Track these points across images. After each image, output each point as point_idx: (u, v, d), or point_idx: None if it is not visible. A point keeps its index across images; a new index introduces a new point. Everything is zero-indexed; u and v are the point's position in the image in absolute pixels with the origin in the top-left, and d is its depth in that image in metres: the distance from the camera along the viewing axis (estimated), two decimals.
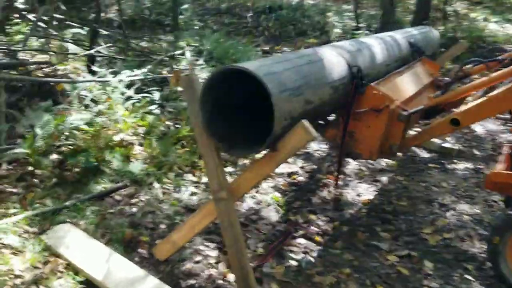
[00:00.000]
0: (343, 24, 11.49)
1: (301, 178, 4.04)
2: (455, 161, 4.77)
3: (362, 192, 3.97)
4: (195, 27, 9.07)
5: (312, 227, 3.28)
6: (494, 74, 2.59)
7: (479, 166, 4.69)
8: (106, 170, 3.49)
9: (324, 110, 2.58)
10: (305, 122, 2.08)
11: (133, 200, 3.25)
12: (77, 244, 2.60)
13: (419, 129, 4.03)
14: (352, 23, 11.55)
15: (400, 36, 3.91)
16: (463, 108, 2.65)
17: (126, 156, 3.73)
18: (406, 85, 3.20)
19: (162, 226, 3.00)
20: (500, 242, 2.69)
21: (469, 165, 4.72)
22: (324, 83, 2.48)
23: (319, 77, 2.44)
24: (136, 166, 3.62)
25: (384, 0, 9.89)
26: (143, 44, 7.21)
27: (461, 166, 4.68)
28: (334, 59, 2.69)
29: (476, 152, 5.07)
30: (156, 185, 3.49)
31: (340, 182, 4.07)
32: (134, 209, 3.15)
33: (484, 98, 2.57)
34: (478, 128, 5.67)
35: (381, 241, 3.20)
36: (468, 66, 3.57)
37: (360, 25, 11.23)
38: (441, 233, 3.39)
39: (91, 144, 3.59)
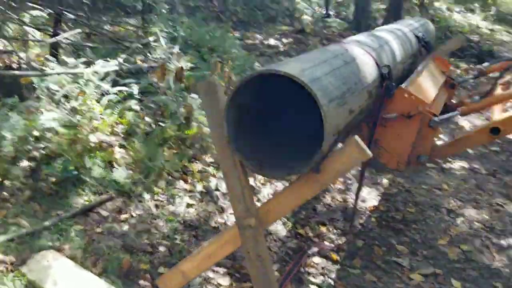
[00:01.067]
0: (312, 11, 11.21)
1: None
2: (449, 159, 4.59)
3: (366, 197, 3.70)
4: (163, 10, 8.47)
5: (325, 243, 2.96)
6: None
7: (475, 166, 4.54)
8: (87, 179, 3.01)
9: (360, 119, 2.24)
10: (358, 139, 1.73)
11: (123, 216, 2.82)
12: (66, 277, 2.15)
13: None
14: (321, 10, 11.28)
15: (407, 30, 3.62)
16: (505, 115, 2.39)
17: (108, 161, 3.26)
18: (428, 86, 2.91)
19: (162, 249, 2.59)
20: None
21: (465, 164, 4.56)
22: (362, 88, 2.14)
23: (357, 81, 2.10)
24: (120, 174, 3.17)
25: None
26: (107, 28, 6.60)
27: (457, 165, 4.51)
28: (366, 59, 2.35)
29: (468, 150, 4.91)
30: (146, 196, 3.06)
31: (340, 186, 3.79)
32: (126, 228, 2.72)
33: None
34: (465, 123, 5.54)
35: (400, 257, 2.94)
36: (484, 65, 3.35)
37: (330, 12, 10.99)
38: (458, 244, 3.18)
39: (67, 148, 3.10)
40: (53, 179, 2.92)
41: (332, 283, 2.62)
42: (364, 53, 2.40)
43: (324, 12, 10.98)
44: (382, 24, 9.25)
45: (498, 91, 2.60)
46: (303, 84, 1.64)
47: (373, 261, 2.87)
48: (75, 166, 3.02)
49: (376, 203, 3.61)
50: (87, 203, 2.84)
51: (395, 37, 3.16)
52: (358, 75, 2.14)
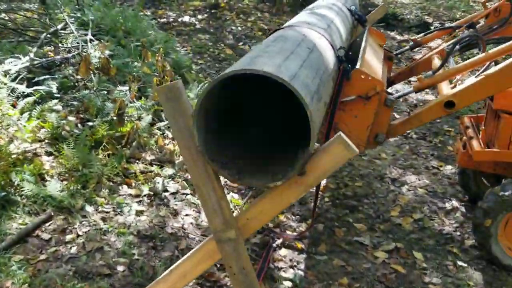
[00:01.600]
0: None
1: None
2: None
3: None
4: None
5: (288, 232, 2.89)
6: (492, 51, 2.39)
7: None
8: (17, 199, 2.64)
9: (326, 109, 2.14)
10: (343, 135, 1.63)
11: (68, 237, 2.51)
12: None
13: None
14: None
15: (340, 4, 3.56)
16: (458, 88, 2.42)
17: (38, 174, 2.89)
18: (374, 63, 2.88)
19: (120, 268, 2.34)
20: (492, 225, 2.60)
21: None
22: (328, 76, 2.03)
23: (324, 69, 1.98)
24: (54, 187, 2.82)
25: None
26: (4, 17, 5.85)
27: None
28: (323, 43, 2.24)
29: (395, 114, 5.07)
30: (89, 208, 2.76)
31: None
32: (74, 249, 2.42)
33: (482, 77, 2.36)
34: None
35: (361, 235, 2.96)
36: (420, 35, 3.40)
37: None
38: (409, 214, 3.27)
39: None
40: None
41: (303, 274, 2.55)
42: (320, 36, 2.28)
43: None
44: None
45: (435, 61, 2.63)
46: (285, 84, 1.48)
47: (336, 244, 2.85)
48: (1, 185, 2.63)
49: (324, 182, 3.60)
50: (22, 227, 2.49)
51: (335, 14, 3.08)
52: (323, 62, 2.02)
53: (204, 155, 1.66)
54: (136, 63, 4.51)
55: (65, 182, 2.93)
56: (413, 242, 2.95)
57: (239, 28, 7.43)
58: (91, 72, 3.60)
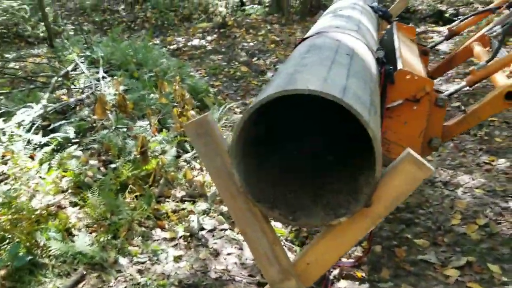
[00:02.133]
0: (226, 2, 10.75)
1: None
2: None
3: None
4: (70, 32, 7.66)
5: (344, 260, 2.59)
6: None
7: None
8: (45, 261, 2.42)
9: None
10: (413, 152, 1.35)
11: None
12: None
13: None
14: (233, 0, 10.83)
15: (362, 2, 3.30)
16: None
17: (64, 229, 2.67)
18: (413, 61, 2.60)
19: None
20: None
21: None
22: (374, 82, 1.76)
23: (369, 76, 1.72)
24: (83, 241, 2.59)
25: None
26: (14, 66, 5.77)
27: None
28: (359, 46, 1.97)
29: None
30: (123, 261, 2.52)
31: None
32: None
33: None
34: None
35: (425, 252, 2.64)
36: (454, 23, 3.11)
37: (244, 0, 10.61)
38: (473, 220, 2.94)
39: (10, 228, 2.48)
40: (2, 273, 2.30)
41: None
42: (355, 40, 2.02)
43: (238, 0, 10.57)
44: (302, 4, 9.01)
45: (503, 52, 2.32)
46: (337, 101, 1.22)
47: (400, 266, 2.54)
48: (26, 248, 2.42)
49: None
50: None
51: (360, 13, 2.82)
52: (367, 68, 1.75)
53: (248, 196, 1.40)
54: (152, 95, 4.32)
55: (94, 234, 2.71)
56: (485, 253, 2.62)
57: (251, 44, 7.22)
58: (108, 111, 3.39)
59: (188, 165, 3.57)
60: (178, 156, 3.63)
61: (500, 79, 2.29)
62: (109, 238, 2.68)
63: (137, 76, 5.03)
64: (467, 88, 2.26)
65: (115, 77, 4.31)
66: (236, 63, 6.46)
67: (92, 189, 3.00)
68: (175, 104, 3.60)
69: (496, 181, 3.43)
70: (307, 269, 1.52)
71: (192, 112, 3.63)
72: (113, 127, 3.71)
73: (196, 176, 3.43)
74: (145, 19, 10.00)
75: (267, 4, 9.83)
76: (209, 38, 7.77)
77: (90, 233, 2.73)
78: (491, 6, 3.04)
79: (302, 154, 1.79)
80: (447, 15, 8.59)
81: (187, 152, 3.71)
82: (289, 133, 1.87)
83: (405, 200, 3.14)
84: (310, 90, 1.23)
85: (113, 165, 3.32)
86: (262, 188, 1.46)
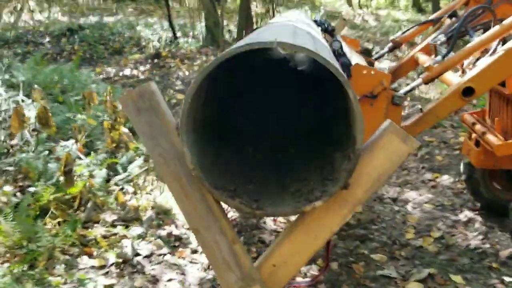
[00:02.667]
0: (159, 36, 10.56)
1: (232, 214, 3.01)
2: None
3: None
4: None
5: (298, 279, 2.33)
6: (506, 22, 2.05)
7: None
8: None
9: None
10: (395, 124, 1.16)
11: None
12: None
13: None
14: (166, 34, 10.66)
15: (304, 16, 3.22)
16: (474, 71, 2.05)
17: None
18: (364, 64, 2.50)
19: None
20: None
21: None
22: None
23: (331, 55, 1.54)
24: None
25: (207, 4, 9.27)
26: None
27: None
28: (315, 33, 1.81)
29: None
30: None
31: None
32: None
33: (500, 53, 2.01)
34: None
35: (384, 267, 2.45)
36: (397, 35, 3.09)
37: (177, 34, 10.47)
38: (427, 234, 2.82)
39: None
40: None
41: None
42: (310, 30, 1.86)
43: (171, 35, 10.41)
44: (238, 35, 9.00)
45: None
46: (312, 55, 1.01)
47: (360, 283, 2.33)
48: None
49: None
50: None
51: (305, 24, 2.70)
52: (327, 47, 1.58)
53: (204, 182, 1.13)
54: (79, 116, 3.93)
55: (6, 265, 2.26)
56: (445, 264, 2.48)
57: (186, 73, 7.02)
58: (26, 126, 2.98)
59: (120, 188, 3.19)
60: (108, 180, 3.26)
61: (454, 78, 2.23)
62: (25, 268, 2.24)
63: (61, 100, 4.63)
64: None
65: (36, 86, 3.87)
66: (171, 90, 6.20)
67: (5, 214, 2.55)
68: (107, 118, 3.26)
69: (444, 196, 3.38)
70: (274, 272, 1.25)
71: (125, 129, 3.30)
72: (33, 149, 3.28)
73: (129, 200, 3.07)
74: (72, 52, 9.52)
75: (200, 38, 9.75)
76: (142, 68, 7.47)
77: (2, 263, 2.28)
78: (432, 17, 3.07)
79: (262, 149, 1.56)
80: (373, 53, 8.95)
81: (118, 174, 3.33)
82: (243, 128, 1.64)
83: (355, 216, 2.99)
84: (279, 43, 1.02)
85: (32, 189, 2.89)
86: (219, 174, 1.20)
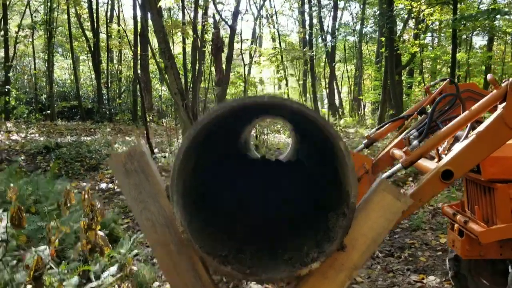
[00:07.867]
0: None
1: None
2: None
3: None
4: None
5: None
6: (474, 107, 2.18)
7: None
8: None
9: None
10: (386, 180, 1.17)
11: None
12: None
13: None
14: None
15: None
16: (450, 155, 2.11)
17: None
18: None
19: None
20: None
21: None
22: None
23: None
24: None
25: (186, 121, 9.66)
26: None
27: None
28: None
29: None
30: None
31: None
32: None
33: (473, 136, 2.09)
34: None
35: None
36: (372, 131, 3.21)
37: (155, 149, 10.68)
38: None
39: None
40: None
41: None
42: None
43: (149, 151, 10.61)
44: None
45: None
46: (305, 110, 1.05)
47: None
48: None
49: None
50: None
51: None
52: None
53: (194, 246, 1.08)
54: (52, 223, 3.78)
55: None
56: None
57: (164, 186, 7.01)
58: None
59: None
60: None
61: (429, 164, 2.30)
62: None
63: (34, 210, 4.49)
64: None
65: (12, 186, 3.75)
66: None
67: None
68: (85, 219, 3.13)
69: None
70: None
71: (101, 233, 3.17)
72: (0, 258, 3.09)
73: None
74: (48, 169, 9.49)
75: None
76: (117, 182, 7.45)
77: None
78: (403, 114, 3.24)
79: (251, 223, 1.51)
80: None
81: (91, 281, 3.13)
82: (231, 204, 1.60)
83: None
84: (270, 97, 1.05)
85: None
86: (209, 239, 1.14)
